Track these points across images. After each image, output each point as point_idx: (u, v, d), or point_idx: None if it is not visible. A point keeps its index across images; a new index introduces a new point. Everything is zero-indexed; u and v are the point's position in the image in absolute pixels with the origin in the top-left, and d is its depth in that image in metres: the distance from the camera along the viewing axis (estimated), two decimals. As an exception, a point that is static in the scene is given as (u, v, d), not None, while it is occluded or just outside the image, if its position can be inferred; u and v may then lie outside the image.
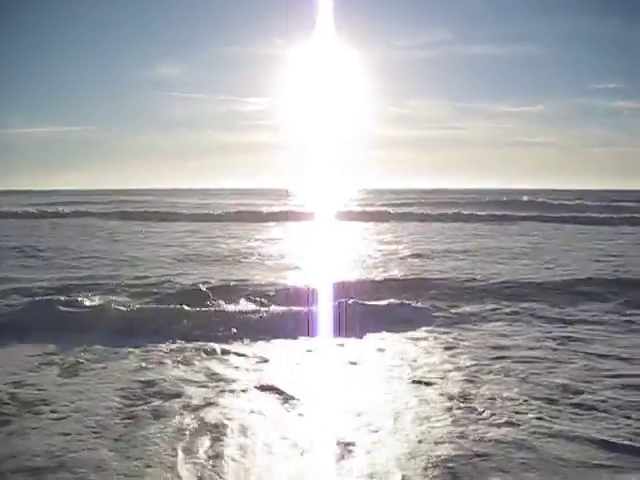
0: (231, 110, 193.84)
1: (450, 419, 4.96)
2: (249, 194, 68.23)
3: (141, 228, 23.84)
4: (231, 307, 9.25)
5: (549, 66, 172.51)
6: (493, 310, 9.17)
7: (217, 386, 5.85)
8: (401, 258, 14.91)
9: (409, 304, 9.24)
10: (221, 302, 9.47)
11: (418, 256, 15.18)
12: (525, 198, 44.64)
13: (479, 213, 30.32)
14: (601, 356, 6.70)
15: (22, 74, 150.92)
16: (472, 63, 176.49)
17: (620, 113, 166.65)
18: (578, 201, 41.61)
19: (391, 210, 32.96)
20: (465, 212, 30.99)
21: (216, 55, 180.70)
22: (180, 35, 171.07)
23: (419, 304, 9.33)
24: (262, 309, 9.07)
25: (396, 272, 12.57)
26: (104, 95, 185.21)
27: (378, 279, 11.73)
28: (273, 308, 9.10)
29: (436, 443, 4.49)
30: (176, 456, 4.31)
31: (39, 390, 5.70)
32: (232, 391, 5.70)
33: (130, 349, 7.08)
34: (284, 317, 8.59)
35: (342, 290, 9.99)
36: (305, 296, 9.59)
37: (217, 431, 4.75)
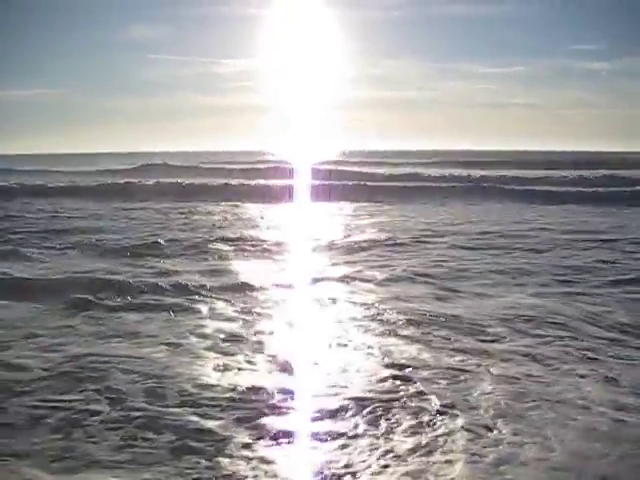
0: (208, 72, 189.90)
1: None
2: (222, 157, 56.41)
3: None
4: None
5: (527, 27, 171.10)
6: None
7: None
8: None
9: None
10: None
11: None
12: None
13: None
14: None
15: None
16: (448, 24, 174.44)
17: (598, 74, 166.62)
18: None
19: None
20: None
21: (191, 16, 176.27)
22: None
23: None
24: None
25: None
26: (77, 57, 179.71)
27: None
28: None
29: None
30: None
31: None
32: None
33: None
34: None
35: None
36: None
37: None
